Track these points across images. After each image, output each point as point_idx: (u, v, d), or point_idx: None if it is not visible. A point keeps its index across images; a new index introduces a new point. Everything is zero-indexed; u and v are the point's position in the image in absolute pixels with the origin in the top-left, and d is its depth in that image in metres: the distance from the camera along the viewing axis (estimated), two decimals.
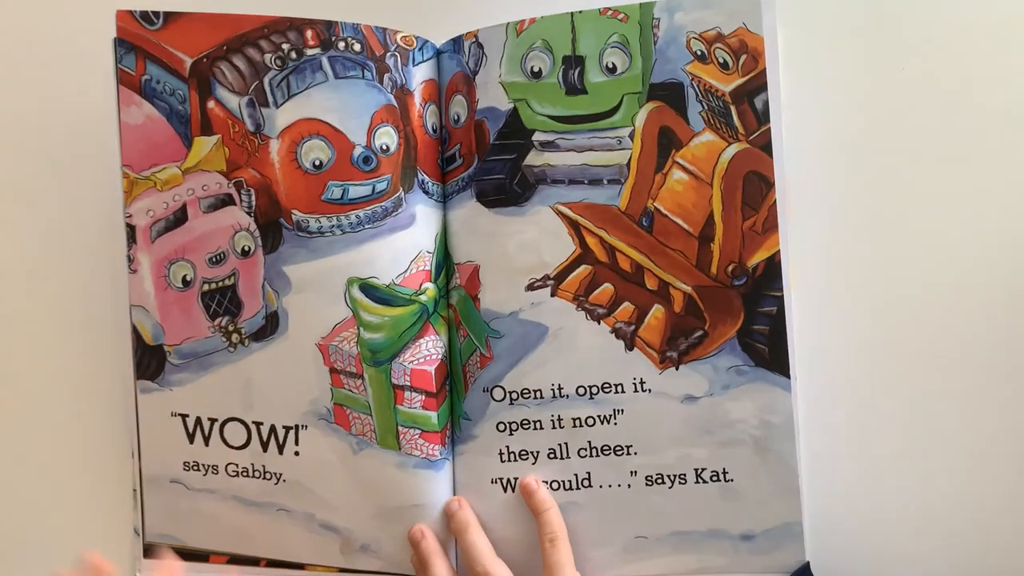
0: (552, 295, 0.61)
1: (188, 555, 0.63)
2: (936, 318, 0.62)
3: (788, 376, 0.59)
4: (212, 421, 0.62)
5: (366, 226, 0.61)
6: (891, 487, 0.62)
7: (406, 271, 0.61)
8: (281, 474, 0.62)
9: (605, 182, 0.60)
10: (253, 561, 0.63)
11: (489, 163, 0.62)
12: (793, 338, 0.59)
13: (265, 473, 0.62)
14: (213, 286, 0.62)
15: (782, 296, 0.59)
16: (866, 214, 0.63)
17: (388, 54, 0.62)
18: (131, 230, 0.62)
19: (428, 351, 0.62)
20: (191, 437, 0.63)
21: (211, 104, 0.61)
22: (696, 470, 0.60)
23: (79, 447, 0.66)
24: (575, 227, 0.61)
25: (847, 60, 0.63)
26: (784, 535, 0.59)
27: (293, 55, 0.60)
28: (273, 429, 0.62)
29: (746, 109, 0.59)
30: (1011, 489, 0.61)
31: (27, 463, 0.66)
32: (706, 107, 0.60)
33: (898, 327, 0.62)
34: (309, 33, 0.60)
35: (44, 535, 0.66)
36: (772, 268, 0.59)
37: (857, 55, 0.63)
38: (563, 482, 0.61)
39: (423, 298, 0.62)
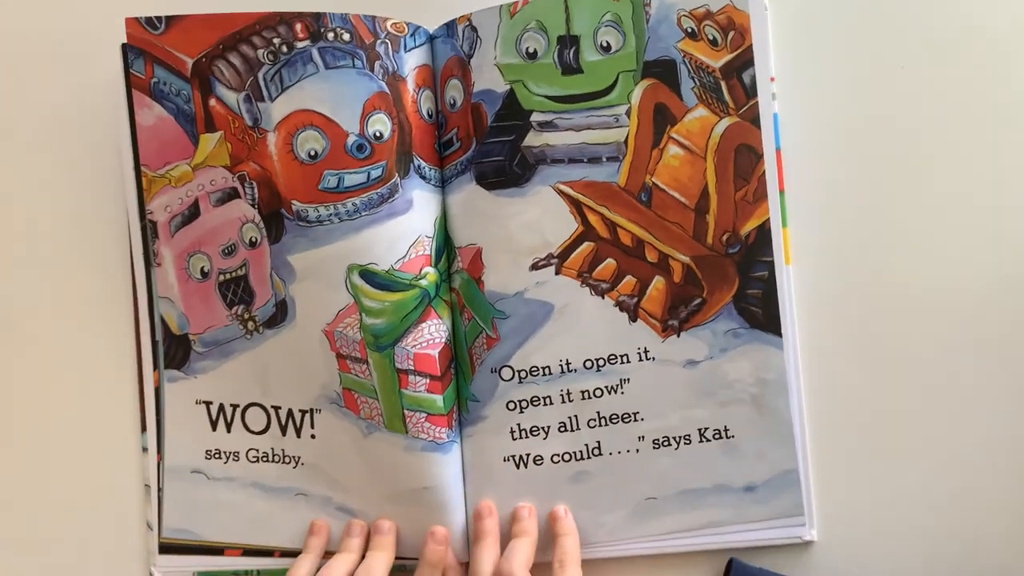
0: (556, 273, 0.63)
1: (203, 549, 0.65)
2: (930, 278, 0.65)
3: (780, 335, 0.62)
4: (234, 407, 0.65)
5: (363, 213, 0.62)
6: (891, 443, 0.64)
7: (405, 256, 0.63)
8: (299, 457, 0.64)
9: (604, 160, 0.62)
10: (267, 553, 0.65)
11: (488, 145, 0.63)
12: (789, 300, 0.62)
13: (284, 457, 0.64)
14: (228, 276, 0.64)
15: (772, 261, 0.62)
16: (859, 181, 0.65)
17: (378, 42, 0.63)
18: (152, 226, 0.64)
19: (431, 335, 0.64)
20: (214, 424, 0.65)
21: (212, 102, 0.62)
22: (699, 430, 0.63)
23: (90, 442, 0.67)
24: (576, 205, 0.63)
25: (838, 31, 0.65)
26: (783, 483, 0.62)
27: (284, 49, 0.61)
28: (291, 413, 0.64)
29: (735, 84, 0.62)
30: (1007, 444, 0.64)
31: (37, 460, 0.67)
32: (698, 83, 0.62)
33: (894, 288, 0.65)
34: (298, 26, 0.61)
35: (56, 531, 0.67)
36: (763, 235, 0.62)
37: (848, 25, 0.66)
38: (574, 453, 0.63)
39: (423, 282, 0.63)
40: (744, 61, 0.62)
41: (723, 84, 0.62)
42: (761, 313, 0.62)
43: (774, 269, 0.62)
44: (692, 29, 0.62)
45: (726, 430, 0.63)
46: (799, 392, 0.62)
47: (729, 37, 0.61)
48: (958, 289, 0.64)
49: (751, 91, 0.62)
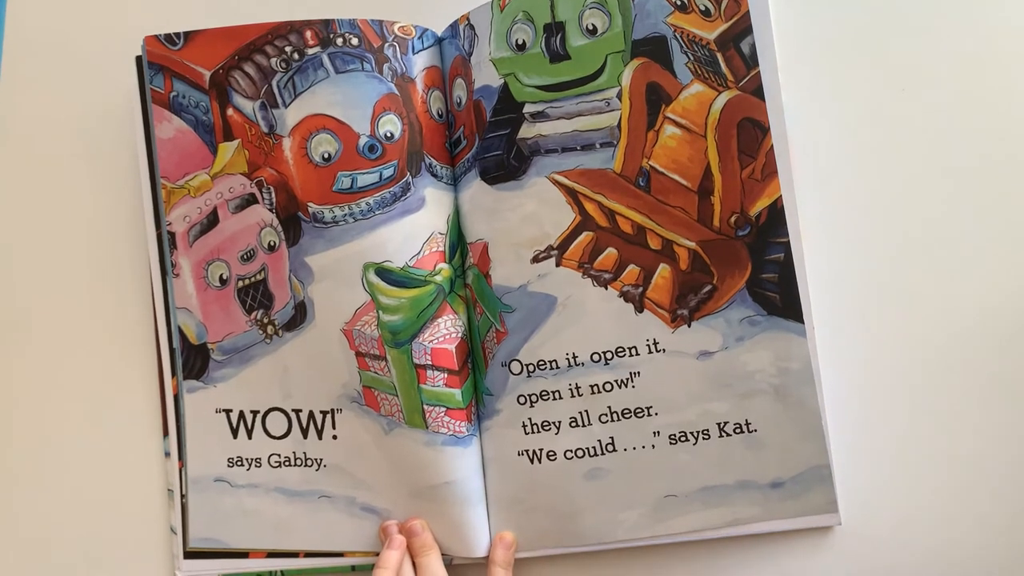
0: (557, 265, 0.66)
1: (229, 554, 0.71)
2: (949, 250, 0.64)
3: (802, 322, 0.62)
4: (255, 413, 0.71)
5: (376, 212, 0.68)
6: (921, 427, 0.64)
7: (419, 253, 0.68)
8: (322, 459, 0.70)
9: (598, 146, 0.65)
10: (292, 555, 0.70)
11: (487, 140, 0.67)
12: (807, 285, 0.62)
13: (307, 460, 0.70)
14: (247, 282, 0.70)
15: (788, 242, 0.62)
16: (873, 153, 0.65)
17: (386, 45, 0.68)
18: (171, 236, 0.72)
19: (447, 330, 0.68)
20: (235, 432, 0.71)
21: (230, 111, 0.70)
22: (719, 424, 0.63)
23: (113, 447, 0.73)
24: (573, 195, 0.65)
25: (841, 7, 0.66)
26: (813, 478, 0.62)
27: (296, 56, 0.68)
28: (311, 415, 0.70)
29: (733, 55, 0.63)
30: None
31: (60, 466, 0.74)
32: (692, 58, 0.63)
33: (912, 265, 0.65)
34: (308, 33, 0.68)
35: (80, 534, 0.73)
36: (775, 214, 0.62)
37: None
38: (587, 449, 0.66)
39: (438, 278, 0.68)
40: (741, 30, 0.63)
41: (719, 56, 0.63)
42: (779, 298, 0.63)
43: (791, 251, 0.62)
44: (681, 1, 0.63)
45: (747, 424, 0.63)
46: (819, 380, 0.62)
47: (723, 6, 0.63)
48: (979, 269, 0.64)
49: (751, 61, 0.63)
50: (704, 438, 0.64)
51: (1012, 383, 0.63)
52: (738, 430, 0.63)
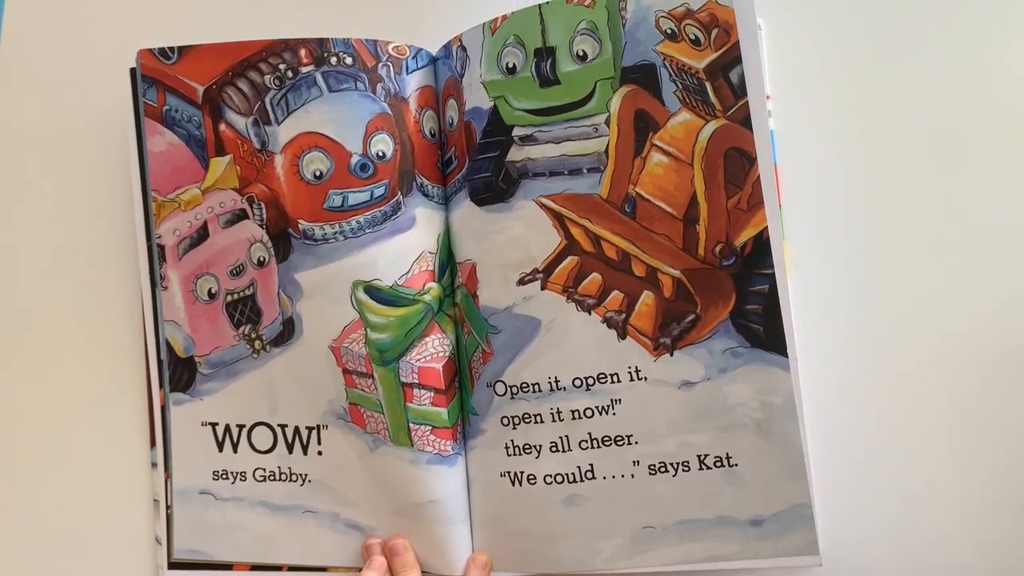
0: (542, 288, 0.68)
1: (212, 566, 0.73)
2: (937, 285, 0.65)
3: (786, 355, 0.63)
4: (240, 427, 0.73)
5: (367, 230, 0.70)
6: (902, 465, 0.65)
7: (408, 272, 0.70)
8: (307, 475, 0.72)
9: (585, 171, 0.67)
10: (275, 568, 0.73)
11: (477, 162, 0.69)
12: (791, 318, 0.63)
13: (291, 475, 0.73)
14: (235, 296, 0.73)
15: (773, 274, 0.63)
16: (859, 185, 0.67)
17: (380, 65, 0.71)
18: (161, 249, 0.74)
19: (435, 349, 0.70)
20: (220, 445, 0.74)
21: (222, 127, 0.72)
22: (699, 457, 0.65)
23: (100, 456, 0.76)
24: (559, 219, 0.67)
25: (833, 22, 0.67)
26: (794, 518, 0.63)
27: (289, 74, 0.71)
28: (297, 430, 0.72)
29: (722, 84, 0.64)
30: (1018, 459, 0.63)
31: (46, 475, 0.76)
32: (680, 86, 0.65)
33: (899, 301, 0.66)
34: (302, 52, 0.71)
35: (66, 543, 0.75)
36: (761, 245, 0.64)
37: (841, 31, 0.68)
38: (567, 475, 0.67)
39: (427, 297, 0.70)
40: (731, 59, 0.64)
41: (708, 85, 0.64)
42: (763, 331, 0.64)
43: (776, 283, 0.64)
44: (672, 30, 0.65)
45: (728, 458, 0.64)
46: (802, 416, 0.63)
47: (712, 35, 0.64)
48: (967, 304, 0.65)
49: (739, 90, 0.64)
50: (684, 470, 0.65)
51: (1000, 422, 0.64)
52: (718, 464, 0.65)
